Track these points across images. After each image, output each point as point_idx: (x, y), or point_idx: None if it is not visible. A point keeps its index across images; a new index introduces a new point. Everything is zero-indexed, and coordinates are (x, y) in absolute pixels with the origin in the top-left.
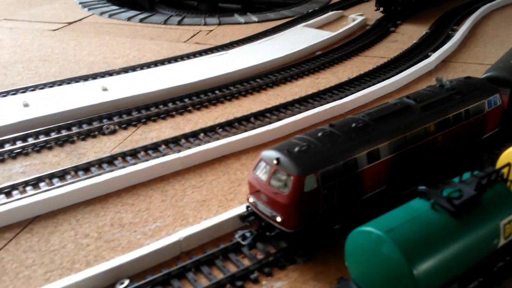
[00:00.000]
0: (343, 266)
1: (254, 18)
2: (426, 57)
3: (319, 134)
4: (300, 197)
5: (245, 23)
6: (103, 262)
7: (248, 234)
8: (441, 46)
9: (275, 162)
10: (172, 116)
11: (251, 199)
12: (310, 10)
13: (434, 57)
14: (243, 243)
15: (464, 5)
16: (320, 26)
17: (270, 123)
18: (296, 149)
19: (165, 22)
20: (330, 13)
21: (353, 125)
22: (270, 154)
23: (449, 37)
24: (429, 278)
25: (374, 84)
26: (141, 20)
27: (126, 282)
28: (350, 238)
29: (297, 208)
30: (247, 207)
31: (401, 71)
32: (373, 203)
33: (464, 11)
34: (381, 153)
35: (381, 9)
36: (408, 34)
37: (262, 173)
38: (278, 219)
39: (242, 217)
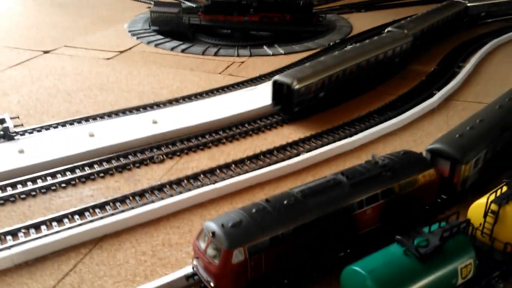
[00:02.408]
0: None
1: (281, 50)
2: (431, 95)
3: (254, 210)
4: (229, 268)
5: (273, 55)
6: (157, 278)
7: None
8: (446, 83)
9: (211, 234)
10: (209, 147)
11: (195, 262)
12: (331, 43)
13: (438, 96)
14: None
15: (471, 40)
16: None
17: (290, 157)
18: (230, 223)
19: (203, 53)
20: (348, 47)
21: (285, 201)
22: (209, 226)
23: (454, 75)
24: None
25: (380, 122)
26: (183, 51)
27: None
28: (344, 273)
29: (227, 277)
30: (192, 267)
31: (406, 110)
32: (301, 271)
33: (471, 47)
34: (307, 228)
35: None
36: (417, 71)
37: (202, 242)
38: (212, 284)
39: (187, 277)
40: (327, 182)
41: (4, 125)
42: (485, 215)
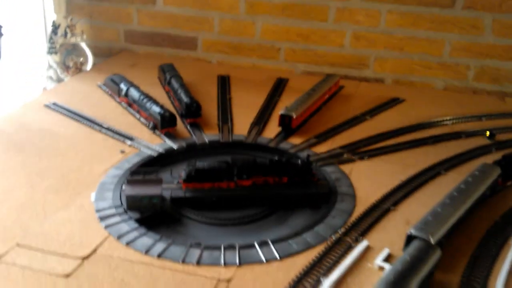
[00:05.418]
0: None
1: (276, 254)
2: None
3: None
4: None
5: (267, 261)
6: None
7: None
8: None
9: None
10: None
11: None
12: (333, 236)
13: None
14: None
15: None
16: None
17: None
18: None
19: (183, 261)
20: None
21: None
22: None
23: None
24: None
25: None
26: (159, 256)
27: None
28: None
29: None
30: None
31: None
32: None
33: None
34: None
35: None
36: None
37: None
38: None
39: None
40: None
41: None
42: None
